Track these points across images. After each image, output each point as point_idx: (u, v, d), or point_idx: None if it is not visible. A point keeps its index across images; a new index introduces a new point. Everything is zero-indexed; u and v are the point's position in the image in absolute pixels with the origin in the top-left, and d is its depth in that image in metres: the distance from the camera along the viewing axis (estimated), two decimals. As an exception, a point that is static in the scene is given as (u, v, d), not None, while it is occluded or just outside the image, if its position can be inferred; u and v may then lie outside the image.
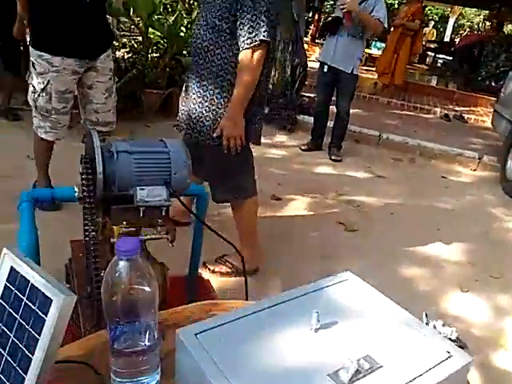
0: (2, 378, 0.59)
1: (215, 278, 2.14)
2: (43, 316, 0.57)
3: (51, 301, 0.57)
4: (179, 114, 2.07)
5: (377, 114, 6.36)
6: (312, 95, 5.66)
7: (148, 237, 1.07)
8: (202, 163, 1.83)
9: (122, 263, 0.63)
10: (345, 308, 0.81)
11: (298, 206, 3.21)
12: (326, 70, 4.01)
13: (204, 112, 1.90)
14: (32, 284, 0.60)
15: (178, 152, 1.11)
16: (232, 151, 1.89)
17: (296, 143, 4.58)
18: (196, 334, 0.70)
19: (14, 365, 0.59)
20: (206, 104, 1.90)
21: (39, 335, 0.57)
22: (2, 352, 0.60)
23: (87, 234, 1.10)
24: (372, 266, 2.57)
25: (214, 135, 1.87)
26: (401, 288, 2.42)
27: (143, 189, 1.08)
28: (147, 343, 0.71)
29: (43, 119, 2.48)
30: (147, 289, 0.67)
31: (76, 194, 1.18)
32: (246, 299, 1.16)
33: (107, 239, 1.23)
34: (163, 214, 1.09)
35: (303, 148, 4.40)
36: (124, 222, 1.05)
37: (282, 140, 4.68)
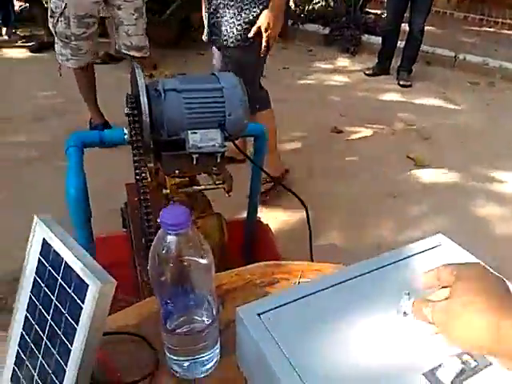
0: (44, 364, 0.53)
1: (274, 221, 2.05)
2: (79, 303, 0.48)
3: (87, 286, 0.48)
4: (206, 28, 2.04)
5: (452, 31, 5.66)
6: (378, 12, 5.11)
7: (202, 187, 0.96)
8: None
9: (169, 238, 0.52)
10: (439, 284, 0.66)
11: (361, 138, 2.97)
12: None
13: (237, 19, 1.90)
14: (66, 262, 0.50)
15: (232, 88, 0.96)
16: (269, 50, 1.98)
17: (360, 67, 4.19)
18: (259, 315, 0.60)
19: (54, 352, 0.51)
20: (245, 10, 1.88)
21: (77, 323, 0.49)
22: (42, 335, 0.53)
23: (138, 180, 1.00)
24: (443, 205, 2.36)
25: (250, 35, 1.89)
26: (475, 229, 2.22)
27: (195, 132, 0.95)
28: (205, 319, 0.62)
29: (64, 46, 2.40)
30: (201, 261, 0.56)
31: (126, 137, 1.08)
32: (311, 260, 1.05)
33: (161, 186, 1.14)
34: (218, 160, 0.96)
35: (368, 73, 4.02)
36: (176, 172, 0.94)
37: (344, 64, 4.30)
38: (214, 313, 0.62)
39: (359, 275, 0.67)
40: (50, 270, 0.53)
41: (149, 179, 1.12)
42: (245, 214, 1.50)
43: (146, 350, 0.67)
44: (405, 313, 0.60)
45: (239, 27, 1.91)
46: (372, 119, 3.20)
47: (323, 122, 3.11)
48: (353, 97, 3.57)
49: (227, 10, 1.89)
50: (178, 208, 0.52)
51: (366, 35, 4.65)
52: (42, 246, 0.55)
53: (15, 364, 0.58)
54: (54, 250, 0.52)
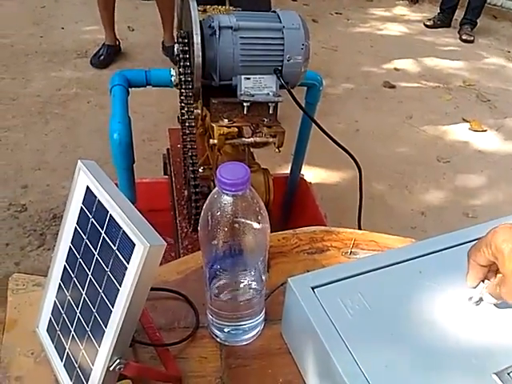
0: (82, 320, 0.49)
1: (317, 179, 1.97)
2: (124, 262, 0.44)
3: (134, 245, 0.43)
4: None
5: (526, -19, 5.11)
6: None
7: (252, 140, 0.89)
8: None
9: (225, 198, 0.46)
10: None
11: (414, 96, 2.78)
12: None
13: None
14: (111, 216, 0.46)
15: (294, 29, 0.86)
16: None
17: (420, 17, 3.88)
18: (313, 289, 0.54)
19: (93, 309, 0.48)
20: None
21: (120, 284, 0.44)
22: (81, 290, 0.50)
23: (183, 128, 0.94)
24: (498, 176, 2.21)
25: None
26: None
27: (248, 78, 0.86)
28: (253, 286, 0.57)
29: None
30: (257, 225, 0.50)
31: (172, 79, 1.01)
32: (359, 228, 0.97)
33: (208, 133, 1.08)
34: (271, 112, 0.88)
35: (428, 24, 3.71)
36: (225, 120, 0.87)
37: (402, 13, 3.99)
38: (264, 280, 0.57)
39: (426, 254, 0.60)
40: (92, 222, 0.48)
41: (196, 125, 1.06)
42: (282, 170, 1.43)
43: (186, 309, 0.64)
44: (479, 300, 0.53)
45: None
46: (428, 75, 2.98)
47: (375, 75, 2.92)
48: (410, 49, 3.32)
49: None
50: (237, 166, 0.45)
51: (430, -18, 4.26)
52: (85, 195, 0.50)
53: (52, 314, 0.55)
54: (99, 201, 0.47)
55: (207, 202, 0.48)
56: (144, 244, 0.42)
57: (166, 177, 1.35)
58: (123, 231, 0.44)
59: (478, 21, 3.61)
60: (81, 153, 2.06)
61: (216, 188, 0.47)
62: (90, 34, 3.00)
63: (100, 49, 2.72)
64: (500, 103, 2.79)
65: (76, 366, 0.51)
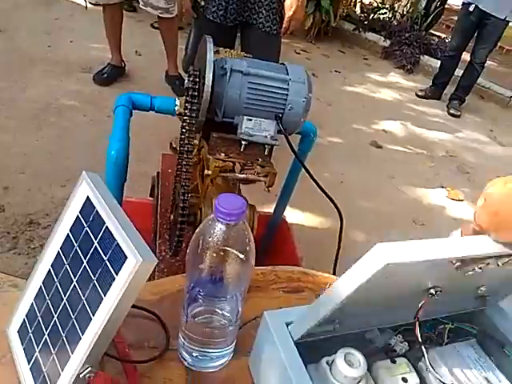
0: (58, 325, 0.50)
1: (298, 221, 2.01)
2: (113, 273, 0.46)
3: (125, 258, 0.45)
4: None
5: (512, 70, 5.48)
6: (443, 35, 4.97)
7: (244, 176, 0.93)
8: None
9: (219, 226, 0.49)
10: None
11: (399, 158, 2.90)
12: (471, 10, 3.39)
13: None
14: (108, 228, 0.48)
15: (299, 82, 0.92)
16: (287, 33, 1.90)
17: (412, 87, 4.09)
18: (287, 325, 0.57)
19: (72, 316, 0.49)
20: None
21: (104, 294, 0.46)
22: (62, 296, 0.51)
23: (181, 156, 0.98)
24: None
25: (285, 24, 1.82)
26: None
27: (250, 119, 0.91)
28: (228, 316, 0.59)
29: None
30: (244, 257, 0.53)
31: (176, 108, 1.05)
32: (334, 273, 1.01)
33: (201, 163, 1.11)
34: (266, 153, 0.93)
35: (420, 94, 3.91)
36: (222, 154, 0.90)
37: (397, 80, 4.20)
38: (240, 311, 0.59)
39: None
40: (87, 231, 0.50)
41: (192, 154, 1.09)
42: (264, 209, 1.46)
43: (158, 330, 0.65)
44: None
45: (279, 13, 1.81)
46: (414, 142, 3.12)
47: (364, 134, 3.05)
48: (399, 115, 3.48)
49: None
50: (235, 198, 0.49)
51: (426, 56, 4.52)
52: (84, 205, 0.52)
53: (26, 316, 0.56)
54: (97, 212, 0.50)
55: (201, 226, 0.51)
56: (137, 258, 0.44)
57: (151, 199, 1.37)
58: (117, 243, 0.46)
59: (466, 98, 3.82)
60: (67, 162, 2.06)
61: (212, 215, 0.50)
62: (97, 52, 3.07)
63: (105, 67, 2.78)
64: (478, 177, 2.92)
65: (44, 370, 0.51)
